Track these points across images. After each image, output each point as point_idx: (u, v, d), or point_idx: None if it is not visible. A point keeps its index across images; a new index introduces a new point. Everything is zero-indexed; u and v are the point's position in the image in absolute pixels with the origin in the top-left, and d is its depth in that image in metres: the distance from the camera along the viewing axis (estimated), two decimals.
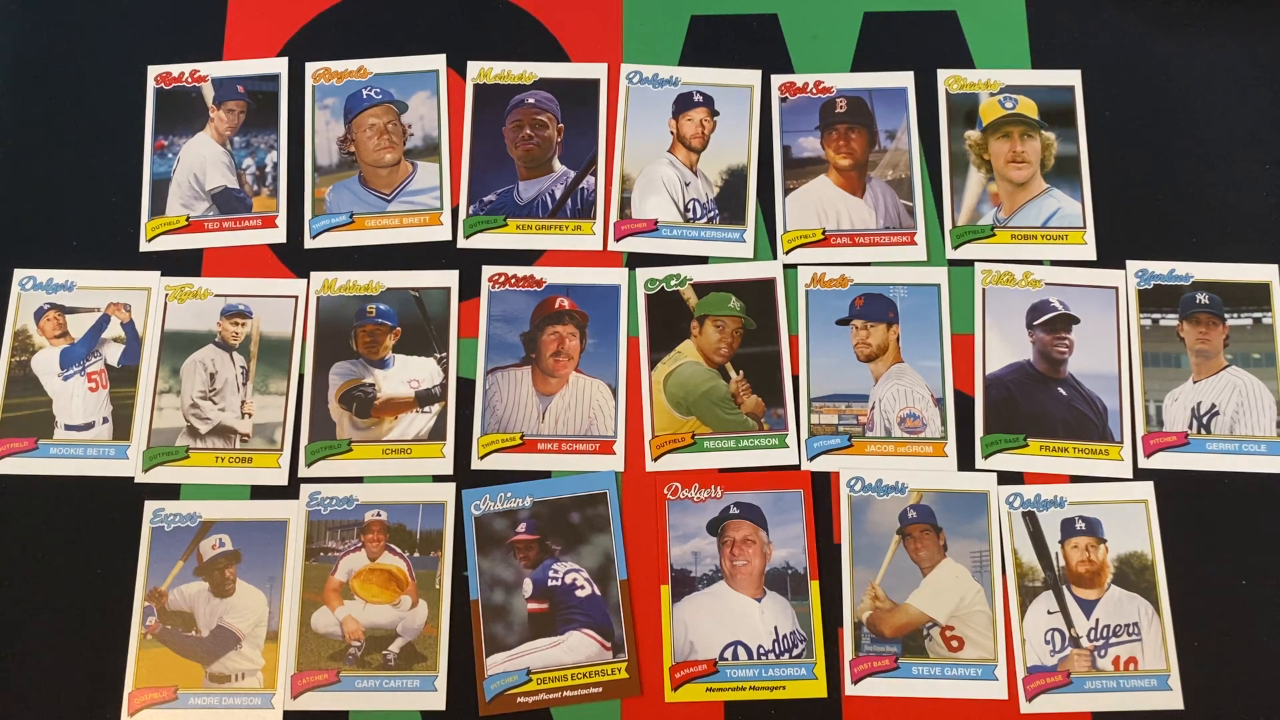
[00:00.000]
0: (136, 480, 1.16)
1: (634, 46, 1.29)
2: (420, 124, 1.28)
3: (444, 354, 1.20)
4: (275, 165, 1.26)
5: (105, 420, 1.18)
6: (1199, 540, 1.13)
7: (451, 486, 1.15)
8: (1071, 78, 1.27)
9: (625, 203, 1.24)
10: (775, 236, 1.23)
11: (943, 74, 1.27)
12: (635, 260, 1.23)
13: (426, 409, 1.18)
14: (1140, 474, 1.15)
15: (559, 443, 1.16)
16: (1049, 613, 1.11)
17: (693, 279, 1.21)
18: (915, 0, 1.30)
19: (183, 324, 1.21)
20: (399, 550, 1.14)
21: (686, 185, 1.25)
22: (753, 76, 1.28)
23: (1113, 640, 1.10)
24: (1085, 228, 1.22)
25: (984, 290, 1.20)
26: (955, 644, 1.10)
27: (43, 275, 1.22)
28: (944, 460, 1.15)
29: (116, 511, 1.15)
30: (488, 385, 1.19)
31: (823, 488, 1.15)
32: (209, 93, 1.29)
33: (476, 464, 1.16)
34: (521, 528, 1.14)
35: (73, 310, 1.22)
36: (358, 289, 1.22)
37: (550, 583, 1.12)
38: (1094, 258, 1.21)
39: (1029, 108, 1.26)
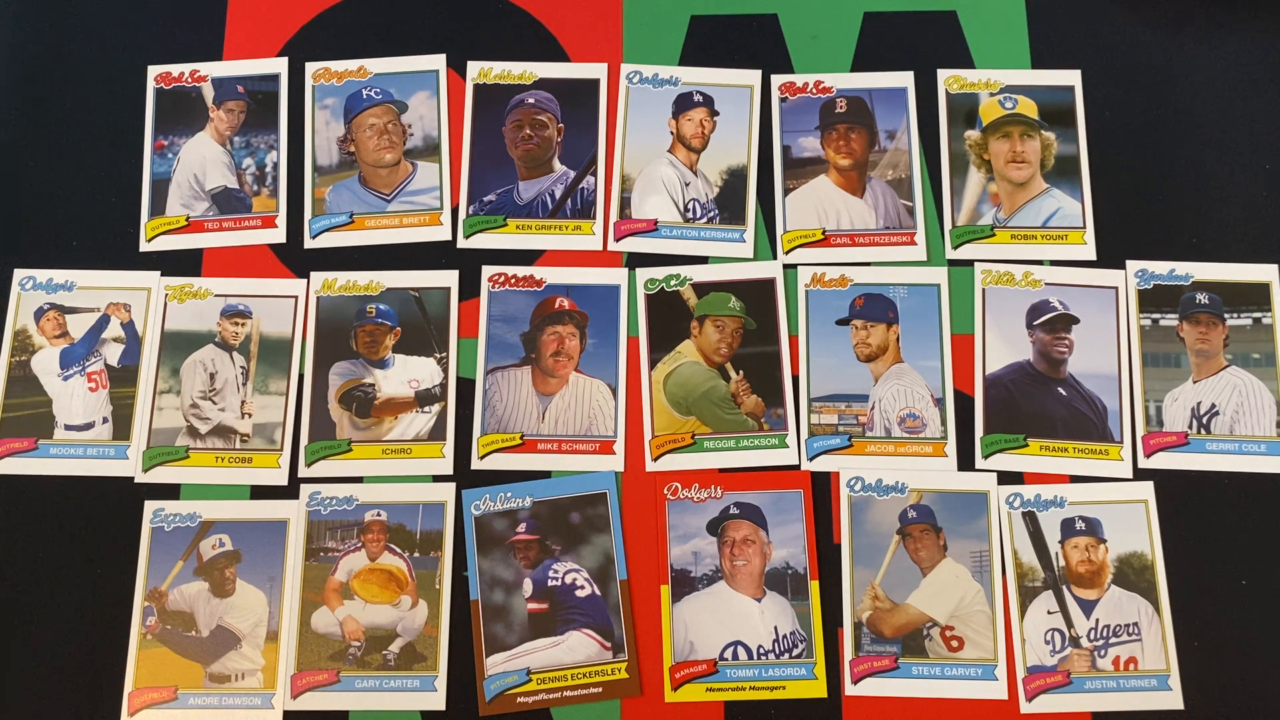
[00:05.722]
0: (136, 480, 1.16)
1: (634, 46, 1.29)
2: (420, 124, 1.28)
3: (444, 354, 1.20)
4: (275, 165, 1.26)
5: (105, 420, 1.18)
6: (1199, 540, 1.13)
7: (451, 486, 1.15)
8: (1071, 78, 1.27)
9: (625, 203, 1.24)
10: (775, 236, 1.23)
11: (943, 74, 1.27)
12: (635, 260, 1.22)
13: (426, 409, 1.18)
14: (1140, 474, 1.15)
15: (559, 443, 1.16)
16: (1049, 613, 1.11)
17: (693, 279, 1.21)
18: (915, 0, 1.30)
19: (183, 324, 1.21)
20: (399, 550, 1.14)
21: (686, 185, 1.25)
22: (753, 76, 1.28)
23: (1113, 640, 1.10)
24: (1085, 228, 1.22)
25: (984, 290, 1.20)
26: (955, 644, 1.10)
27: (43, 275, 1.22)
28: (944, 460, 1.15)
29: (116, 511, 1.15)
30: (488, 385, 1.19)
31: (823, 488, 1.15)
32: (209, 93, 1.29)
33: (476, 464, 1.16)
34: (521, 528, 1.13)
35: (73, 310, 1.22)
36: (358, 289, 1.22)
37: (550, 583, 1.12)
38: (1094, 258, 1.21)
39: (1029, 108, 1.25)
